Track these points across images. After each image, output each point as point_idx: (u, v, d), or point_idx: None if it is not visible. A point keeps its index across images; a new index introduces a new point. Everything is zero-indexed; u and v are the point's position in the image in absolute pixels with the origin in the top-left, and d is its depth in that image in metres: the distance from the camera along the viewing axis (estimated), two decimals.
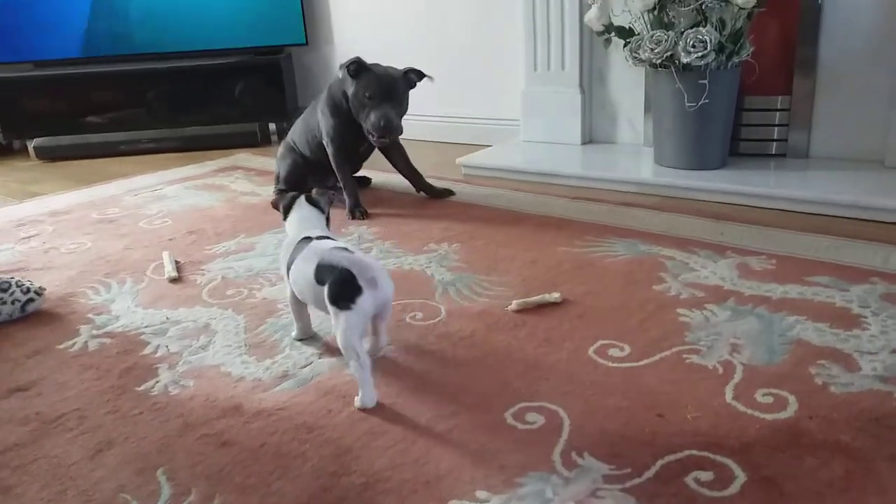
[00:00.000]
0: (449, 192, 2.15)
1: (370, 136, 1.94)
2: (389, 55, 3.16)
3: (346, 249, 1.15)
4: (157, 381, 1.18)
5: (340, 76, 1.95)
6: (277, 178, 2.20)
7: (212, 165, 2.78)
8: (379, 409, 1.06)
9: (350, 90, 1.93)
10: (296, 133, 2.18)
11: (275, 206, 1.37)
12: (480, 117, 2.89)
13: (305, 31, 3.24)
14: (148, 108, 3.20)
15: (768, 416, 0.98)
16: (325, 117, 2.02)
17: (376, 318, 1.17)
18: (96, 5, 3.15)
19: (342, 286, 1.07)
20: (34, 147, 3.15)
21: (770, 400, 1.02)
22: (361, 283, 1.06)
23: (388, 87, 1.90)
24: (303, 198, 1.31)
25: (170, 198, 2.32)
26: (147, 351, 1.29)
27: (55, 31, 3.17)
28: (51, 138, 3.16)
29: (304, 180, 2.09)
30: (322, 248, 1.15)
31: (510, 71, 2.71)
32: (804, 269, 1.46)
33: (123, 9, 3.18)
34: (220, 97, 3.21)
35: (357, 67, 1.90)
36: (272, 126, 3.31)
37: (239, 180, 2.50)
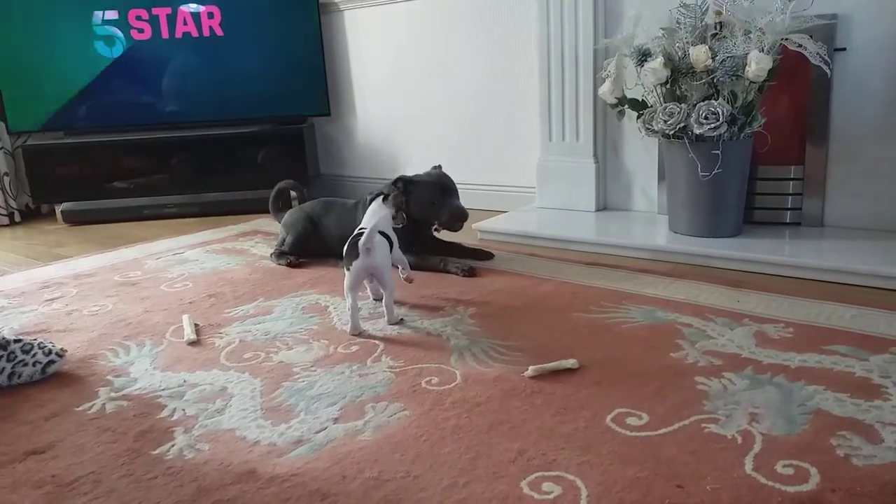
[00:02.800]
0: (489, 255, 2.20)
1: (440, 229, 2.13)
2: (407, 125, 3.26)
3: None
4: (173, 445, 1.18)
5: (371, 202, 1.93)
6: (283, 241, 2.29)
7: (232, 230, 2.83)
8: (394, 477, 1.05)
9: (392, 207, 1.91)
10: (327, 219, 2.24)
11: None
12: (496, 184, 2.94)
13: (328, 102, 3.35)
14: (171, 175, 3.29)
15: (790, 489, 0.96)
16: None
17: (372, 276, 1.68)
18: (124, 75, 3.28)
19: (346, 255, 1.66)
20: (61, 211, 3.24)
21: (791, 471, 1.00)
22: (361, 252, 1.59)
23: (447, 185, 2.09)
24: (380, 197, 1.84)
25: (191, 261, 2.36)
26: (164, 414, 1.29)
27: (85, 100, 3.30)
28: (78, 203, 3.25)
29: (308, 249, 2.26)
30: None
31: (525, 139, 2.77)
32: (822, 338, 1.45)
33: (151, 79, 3.31)
34: (243, 165, 3.29)
35: (405, 183, 2.04)
36: (293, 193, 3.38)
37: (259, 244, 2.54)
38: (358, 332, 1.62)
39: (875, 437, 1.08)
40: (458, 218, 2.06)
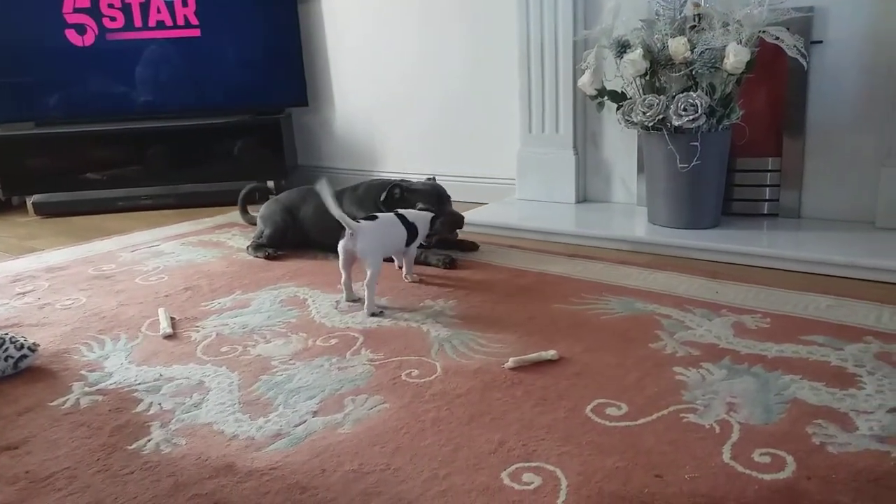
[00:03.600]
0: (474, 246, 2.20)
1: (433, 237, 2.06)
2: (387, 116, 3.24)
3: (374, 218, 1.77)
4: (149, 440, 1.16)
5: (385, 196, 2.04)
6: (260, 234, 2.26)
7: (209, 222, 2.80)
8: (374, 470, 1.04)
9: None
10: (304, 211, 2.23)
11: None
12: (476, 176, 2.94)
13: (306, 92, 3.32)
14: (146, 166, 3.24)
15: (766, 477, 0.97)
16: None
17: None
18: (97, 65, 3.22)
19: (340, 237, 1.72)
20: (33, 203, 3.17)
21: (768, 460, 1.01)
22: (346, 235, 1.68)
23: (442, 194, 2.09)
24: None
25: (166, 254, 2.33)
26: (140, 408, 1.27)
27: (56, 90, 3.23)
28: (50, 195, 3.19)
29: (286, 242, 2.24)
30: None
31: (505, 131, 2.77)
32: (799, 328, 1.46)
33: (124, 68, 3.25)
34: (220, 156, 3.25)
35: (402, 191, 2.05)
36: (271, 184, 3.35)
37: (236, 237, 2.51)
38: (353, 300, 1.75)
39: (850, 425, 1.09)
40: (455, 224, 2.06)
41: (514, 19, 2.55)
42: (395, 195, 2.04)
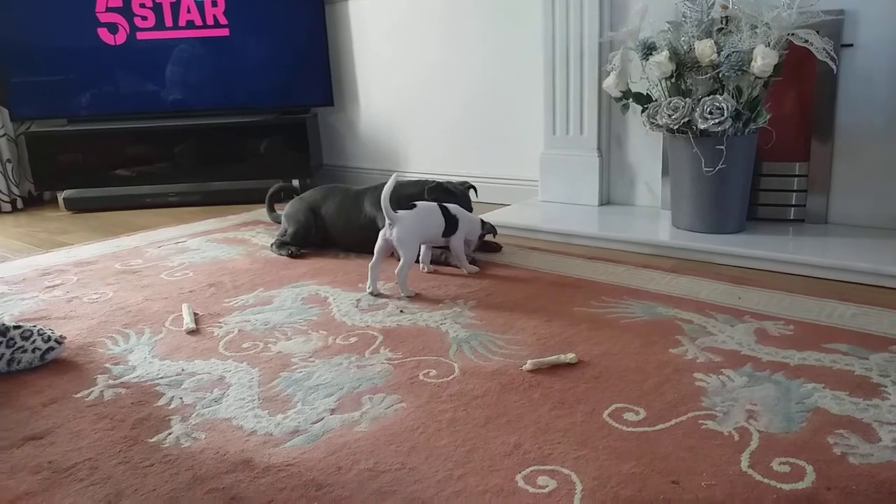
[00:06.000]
0: (498, 247, 2.20)
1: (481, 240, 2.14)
2: (410, 116, 3.25)
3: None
4: (170, 433, 1.18)
5: (429, 192, 2.08)
6: (284, 231, 2.28)
7: (234, 220, 2.83)
8: (389, 469, 1.05)
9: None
10: (329, 207, 2.25)
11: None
12: (499, 177, 2.93)
13: (332, 92, 3.34)
14: (174, 164, 3.29)
15: (785, 486, 0.96)
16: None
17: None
18: (128, 63, 3.28)
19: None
20: (64, 198, 3.24)
21: (787, 469, 1.00)
22: (386, 224, 1.77)
23: (467, 200, 2.15)
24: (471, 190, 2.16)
25: (192, 250, 2.36)
26: (161, 402, 1.29)
27: (88, 88, 3.29)
28: (80, 190, 3.26)
29: (309, 240, 2.26)
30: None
31: (529, 132, 2.76)
32: (822, 336, 1.44)
33: (154, 67, 3.31)
34: (246, 154, 3.29)
35: (443, 192, 2.10)
36: (296, 182, 3.38)
37: (260, 234, 2.54)
38: (375, 294, 1.80)
39: (872, 436, 1.07)
40: (489, 231, 2.09)
41: (538, 21, 2.54)
42: (437, 196, 2.07)
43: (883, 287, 1.74)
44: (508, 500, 0.96)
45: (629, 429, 1.13)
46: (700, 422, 1.13)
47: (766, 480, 0.97)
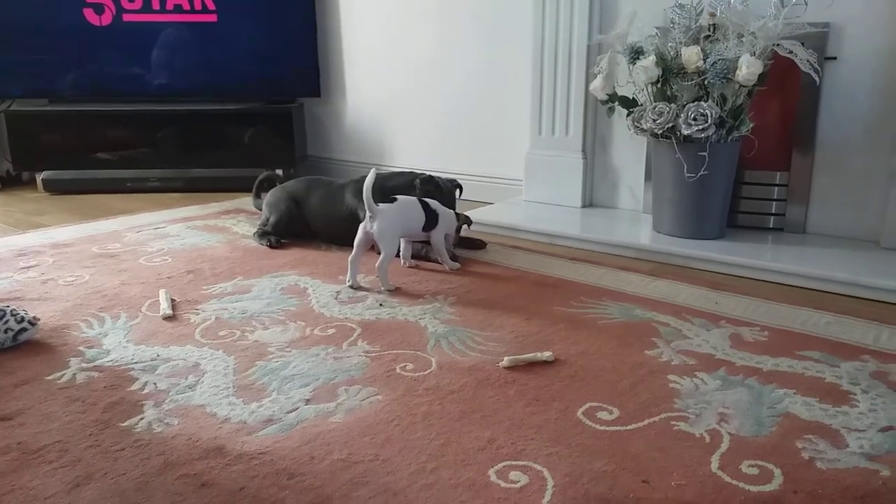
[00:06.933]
0: (482, 244, 2.22)
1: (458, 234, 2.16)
2: (397, 111, 3.24)
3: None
4: (142, 418, 1.17)
5: (421, 185, 2.10)
6: (265, 221, 2.27)
7: (215, 207, 2.81)
8: (362, 460, 1.05)
9: None
10: (311, 198, 2.24)
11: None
12: (484, 175, 2.94)
13: (319, 83, 3.33)
14: (157, 148, 3.25)
15: (753, 488, 0.97)
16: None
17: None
18: (112, 45, 3.23)
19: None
20: (42, 179, 3.19)
21: (755, 472, 1.01)
22: (366, 217, 1.77)
23: (452, 198, 2.17)
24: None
25: (171, 236, 2.34)
26: (134, 387, 1.28)
27: (71, 68, 3.25)
28: (59, 172, 3.21)
29: (291, 230, 2.24)
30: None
31: (515, 131, 2.77)
32: (796, 343, 1.46)
33: (140, 50, 3.27)
34: (230, 142, 3.26)
35: (434, 187, 2.13)
36: (279, 172, 3.36)
37: (241, 223, 2.52)
38: (355, 287, 1.79)
39: (840, 441, 1.09)
40: (464, 221, 2.10)
41: (529, 21, 2.54)
42: (429, 189, 2.09)
43: (858, 297, 1.76)
44: (480, 493, 0.97)
45: (602, 427, 1.14)
46: (672, 423, 1.15)
47: (734, 482, 0.99)
